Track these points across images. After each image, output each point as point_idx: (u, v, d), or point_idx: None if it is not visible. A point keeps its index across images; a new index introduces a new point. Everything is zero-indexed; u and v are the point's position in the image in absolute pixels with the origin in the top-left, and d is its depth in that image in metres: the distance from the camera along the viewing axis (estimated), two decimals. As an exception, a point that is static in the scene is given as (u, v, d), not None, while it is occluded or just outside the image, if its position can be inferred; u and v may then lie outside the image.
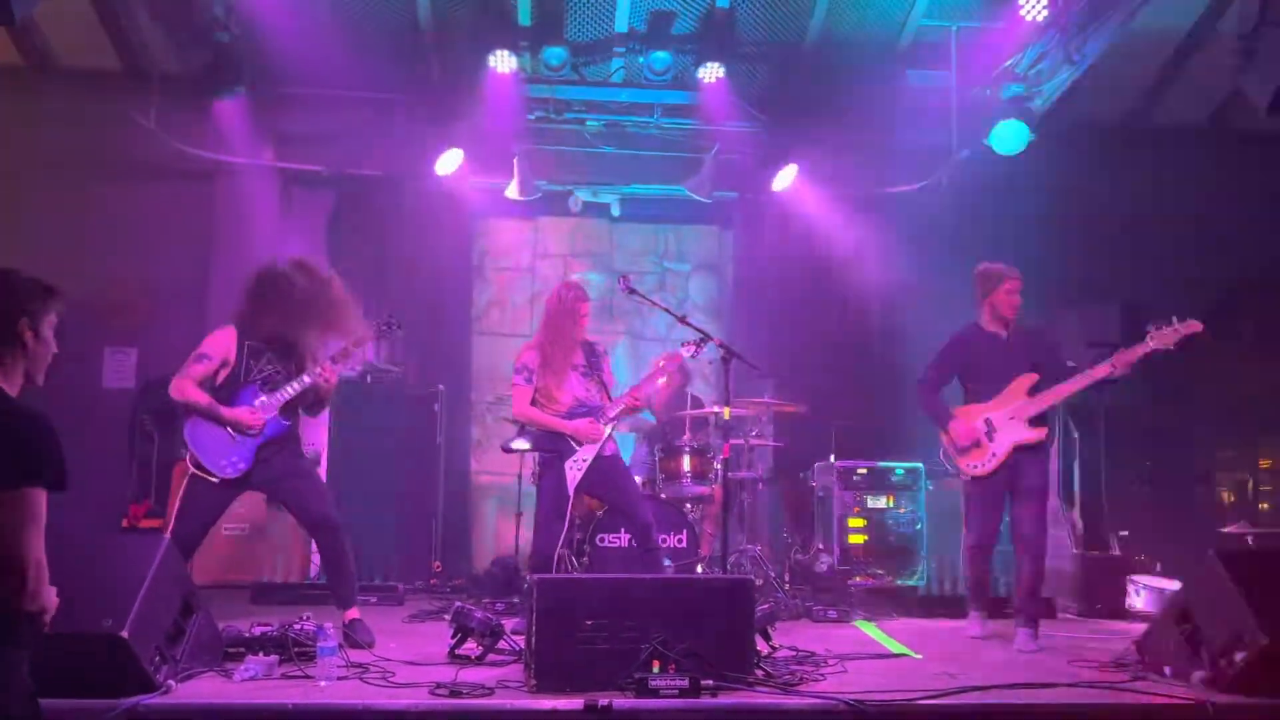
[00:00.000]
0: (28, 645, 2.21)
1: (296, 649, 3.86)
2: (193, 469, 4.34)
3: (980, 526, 5.05)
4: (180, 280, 7.50)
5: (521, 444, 5.17)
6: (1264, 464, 8.52)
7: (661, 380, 5.72)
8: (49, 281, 2.43)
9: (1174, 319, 4.68)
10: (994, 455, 4.95)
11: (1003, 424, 4.96)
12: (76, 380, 6.85)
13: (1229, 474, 8.52)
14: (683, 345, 5.20)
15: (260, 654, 3.84)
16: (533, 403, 5.06)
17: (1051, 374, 5.00)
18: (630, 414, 5.27)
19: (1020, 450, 4.92)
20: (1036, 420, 4.94)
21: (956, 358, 5.19)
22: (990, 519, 5.04)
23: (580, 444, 5.00)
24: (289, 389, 4.42)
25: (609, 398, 5.13)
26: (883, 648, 4.76)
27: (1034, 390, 4.97)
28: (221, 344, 4.44)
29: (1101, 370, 4.78)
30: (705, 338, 5.10)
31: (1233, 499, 8.66)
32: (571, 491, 4.96)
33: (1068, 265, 7.46)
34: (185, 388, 4.34)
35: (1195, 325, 4.64)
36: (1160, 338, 4.68)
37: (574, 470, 4.97)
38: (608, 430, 5.04)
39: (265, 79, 6.97)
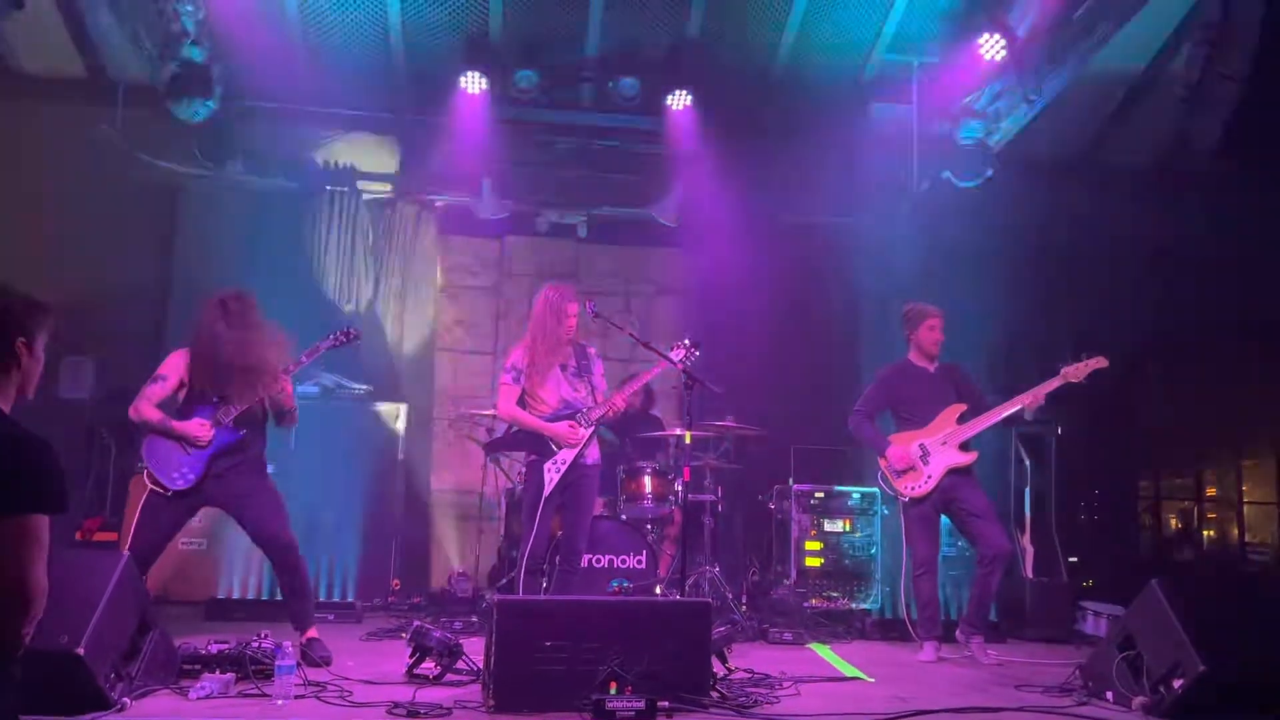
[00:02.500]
0: (17, 664, 2.22)
1: (254, 667, 3.86)
2: (149, 484, 4.41)
3: (924, 549, 5.36)
4: (141, 291, 7.45)
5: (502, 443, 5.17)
6: (1210, 492, 8.77)
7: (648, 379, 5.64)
8: (40, 299, 2.45)
9: (1083, 355, 5.17)
10: (930, 477, 5.33)
11: (936, 449, 5.36)
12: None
13: (1175, 502, 8.75)
14: (672, 349, 5.16)
15: (217, 672, 3.82)
16: (521, 403, 5.04)
17: (975, 404, 5.43)
18: (613, 418, 5.14)
19: (953, 473, 5.32)
20: (966, 445, 5.34)
21: (888, 390, 5.59)
22: (931, 540, 5.40)
23: (559, 447, 4.96)
24: (240, 402, 4.47)
25: (597, 401, 5.06)
26: (836, 671, 4.84)
27: (962, 418, 5.39)
28: (175, 365, 4.53)
29: (1022, 399, 5.23)
30: (669, 362, 5.14)
31: (1179, 526, 8.90)
32: (546, 493, 4.89)
33: (1021, 296, 7.64)
34: (141, 409, 4.44)
35: (1101, 361, 5.16)
36: (1071, 373, 5.17)
37: (552, 472, 4.92)
38: (586, 433, 4.96)
39: (234, 92, 6.96)
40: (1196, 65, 4.72)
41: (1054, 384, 5.19)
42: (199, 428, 4.40)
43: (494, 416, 6.42)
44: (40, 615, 2.20)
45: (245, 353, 4.47)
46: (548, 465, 4.94)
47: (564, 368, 5.07)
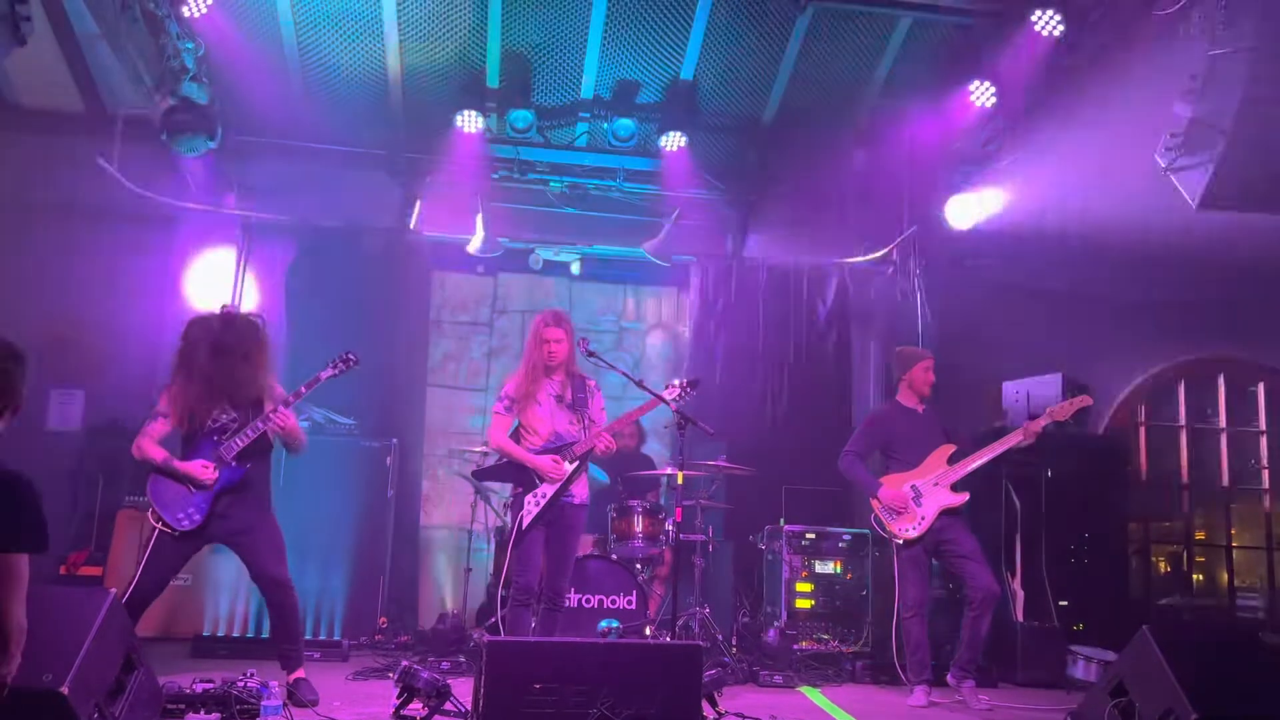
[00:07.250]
0: None
1: (239, 707, 3.81)
2: (157, 524, 4.34)
3: (915, 591, 5.36)
4: (133, 324, 7.42)
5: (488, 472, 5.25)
6: (1199, 536, 8.77)
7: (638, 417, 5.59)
8: (15, 346, 2.43)
9: (1070, 394, 5.36)
10: (923, 519, 5.34)
11: (928, 490, 5.39)
12: (19, 420, 6.69)
13: (1164, 545, 8.75)
14: (667, 387, 5.11)
15: (201, 712, 3.78)
16: (515, 434, 5.02)
17: (964, 445, 5.48)
18: (603, 454, 5.02)
19: (946, 514, 5.34)
20: (958, 486, 5.38)
21: (878, 432, 5.63)
22: (922, 582, 5.41)
23: (542, 480, 4.92)
24: (242, 436, 4.43)
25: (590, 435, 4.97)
26: (826, 715, 4.81)
27: (953, 459, 5.43)
28: (170, 401, 4.46)
29: (1013, 438, 5.31)
30: (662, 400, 5.12)
31: (1168, 570, 8.88)
32: (525, 525, 4.85)
33: (1013, 337, 7.69)
34: (144, 446, 4.39)
35: (1086, 400, 5.39)
36: (1057, 411, 5.31)
37: (532, 505, 4.88)
38: (570, 468, 4.91)
39: (231, 127, 7.01)
40: (1185, 115, 4.81)
41: (1040, 423, 5.27)
42: (202, 470, 4.35)
43: (484, 454, 6.41)
44: (20, 655, 2.16)
45: (238, 376, 4.42)
46: (528, 497, 4.92)
47: (559, 399, 5.02)
